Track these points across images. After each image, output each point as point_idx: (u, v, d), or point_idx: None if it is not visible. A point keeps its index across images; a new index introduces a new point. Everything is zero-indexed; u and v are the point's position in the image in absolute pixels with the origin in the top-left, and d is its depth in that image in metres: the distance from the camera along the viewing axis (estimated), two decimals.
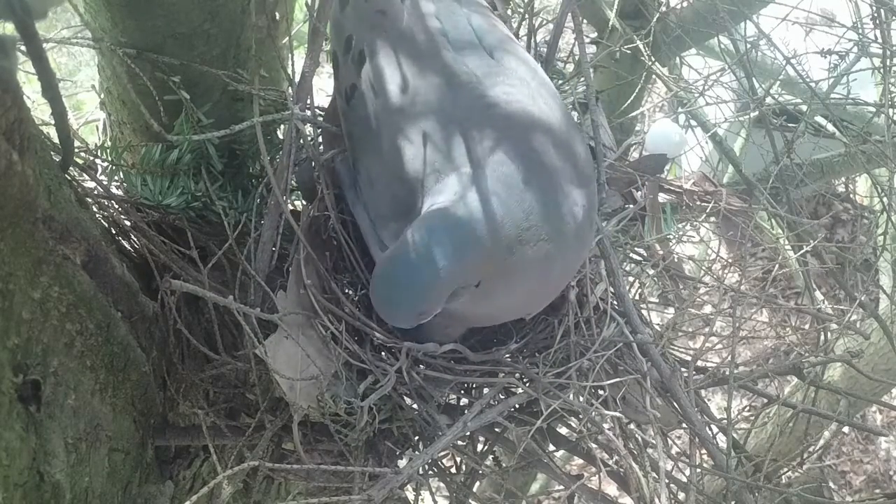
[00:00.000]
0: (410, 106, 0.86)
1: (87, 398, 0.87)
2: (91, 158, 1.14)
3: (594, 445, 0.94)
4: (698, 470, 0.97)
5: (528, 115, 0.84)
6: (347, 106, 0.94)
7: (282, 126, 1.20)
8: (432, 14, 0.90)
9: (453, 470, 1.09)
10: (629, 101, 1.69)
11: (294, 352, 0.90)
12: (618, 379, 0.93)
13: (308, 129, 1.04)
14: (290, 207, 1.06)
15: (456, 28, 0.90)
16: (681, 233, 1.25)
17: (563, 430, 1.09)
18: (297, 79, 0.97)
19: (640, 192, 1.16)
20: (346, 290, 0.97)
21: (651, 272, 1.17)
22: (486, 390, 0.96)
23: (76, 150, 1.06)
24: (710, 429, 1.01)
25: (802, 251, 1.26)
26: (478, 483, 1.24)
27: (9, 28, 0.64)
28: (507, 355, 0.97)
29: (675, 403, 0.97)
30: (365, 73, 0.90)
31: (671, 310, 1.19)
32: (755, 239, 1.26)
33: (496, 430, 1.03)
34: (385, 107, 0.88)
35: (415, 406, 0.95)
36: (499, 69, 0.87)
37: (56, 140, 0.86)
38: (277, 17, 1.18)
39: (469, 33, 0.90)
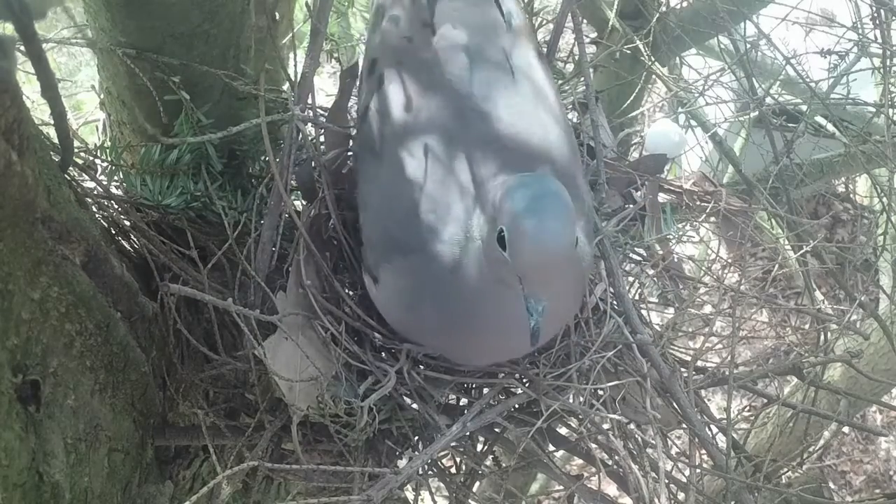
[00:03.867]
0: (416, 134, 0.87)
1: (86, 398, 0.87)
2: (91, 158, 1.14)
3: (594, 446, 0.94)
4: (698, 470, 0.97)
5: (538, 151, 0.86)
6: (359, 126, 0.96)
7: (280, 126, 1.20)
8: (460, 45, 0.91)
9: (453, 470, 1.09)
10: (629, 101, 1.69)
11: (294, 353, 0.90)
12: (618, 381, 0.93)
13: (309, 128, 1.04)
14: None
15: (484, 60, 0.90)
16: (681, 233, 1.24)
17: (563, 431, 1.09)
18: (297, 79, 0.97)
19: (640, 192, 1.16)
20: (347, 291, 0.97)
21: (651, 272, 1.17)
22: (485, 391, 0.96)
23: (76, 150, 1.06)
24: (710, 429, 1.01)
25: (802, 251, 1.26)
26: (478, 483, 1.24)
27: (8, 28, 0.64)
28: None
29: (674, 404, 0.97)
30: (379, 97, 0.92)
31: (671, 310, 1.18)
32: (755, 239, 1.25)
33: (496, 430, 1.02)
34: (391, 133, 0.89)
35: (415, 406, 0.95)
36: (517, 105, 0.88)
37: (56, 140, 0.85)
38: (277, 17, 1.18)
39: (500, 67, 0.90)
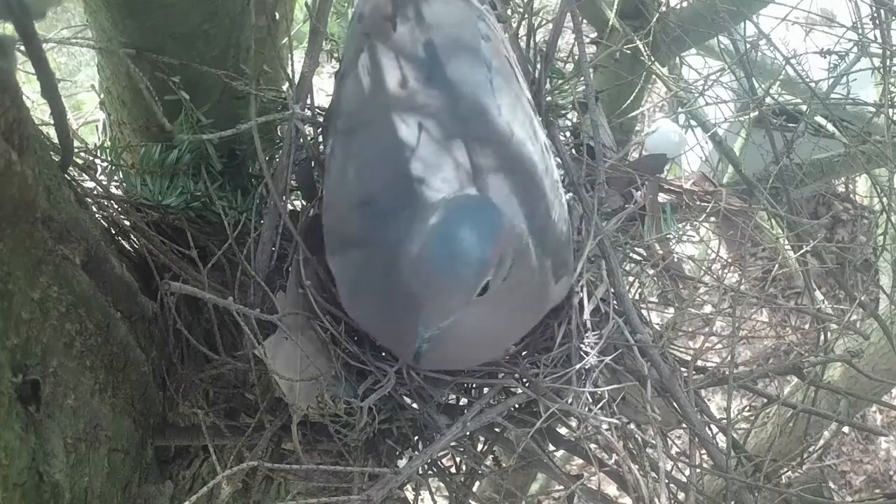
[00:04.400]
0: (357, 132, 0.87)
1: (86, 398, 0.87)
2: (91, 158, 1.14)
3: (593, 446, 0.94)
4: (698, 470, 0.97)
5: (497, 158, 0.83)
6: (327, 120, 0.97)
7: (278, 126, 1.20)
8: (420, 41, 0.88)
9: (453, 470, 1.09)
10: (629, 101, 1.69)
11: (293, 352, 0.90)
12: (618, 385, 0.93)
13: (308, 128, 1.04)
14: (290, 207, 1.06)
15: (443, 57, 0.87)
16: (681, 233, 1.24)
17: (563, 430, 1.09)
18: (296, 79, 0.97)
19: (639, 192, 1.16)
20: None
21: (651, 272, 1.17)
22: (485, 390, 0.96)
23: (76, 150, 1.06)
24: (710, 429, 1.01)
25: (802, 251, 1.26)
26: (477, 483, 1.24)
27: (8, 28, 0.64)
28: (507, 356, 0.96)
29: (674, 403, 0.97)
30: (340, 91, 0.92)
31: (671, 310, 1.18)
32: (755, 239, 1.26)
33: (496, 430, 1.03)
34: (337, 131, 0.90)
35: (415, 406, 0.95)
36: (475, 105, 0.85)
37: (56, 140, 0.85)
38: (277, 17, 1.18)
39: (461, 63, 0.88)
